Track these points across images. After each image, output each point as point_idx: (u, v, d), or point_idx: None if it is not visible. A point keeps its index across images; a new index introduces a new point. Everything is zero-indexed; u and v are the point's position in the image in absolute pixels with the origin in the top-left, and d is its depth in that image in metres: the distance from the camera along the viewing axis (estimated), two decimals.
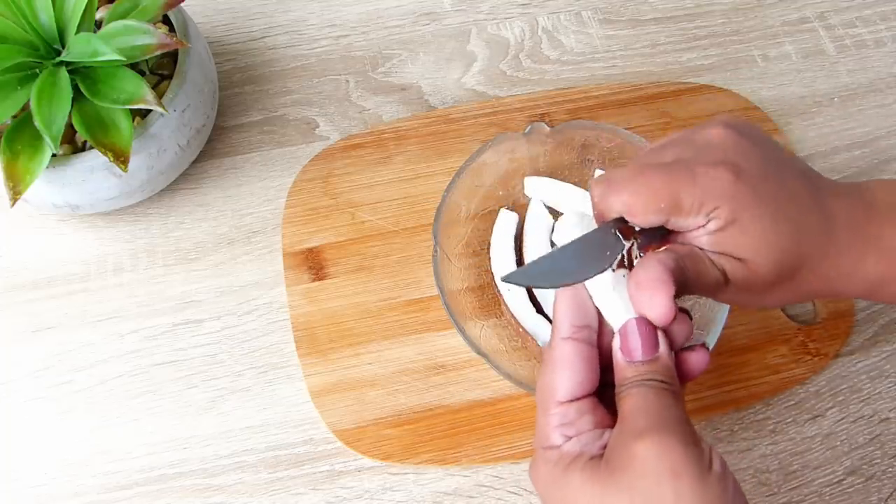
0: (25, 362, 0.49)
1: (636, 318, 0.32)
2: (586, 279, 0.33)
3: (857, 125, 0.58)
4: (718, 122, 0.34)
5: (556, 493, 0.31)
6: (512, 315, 0.48)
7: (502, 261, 0.49)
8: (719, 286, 0.33)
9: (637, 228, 0.33)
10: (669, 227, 0.33)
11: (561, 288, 0.33)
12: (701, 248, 0.33)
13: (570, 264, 0.33)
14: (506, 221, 0.50)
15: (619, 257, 0.33)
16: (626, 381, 0.31)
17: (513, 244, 0.50)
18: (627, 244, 0.33)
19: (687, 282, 0.32)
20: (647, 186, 0.32)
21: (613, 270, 0.33)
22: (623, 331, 0.32)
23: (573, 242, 0.34)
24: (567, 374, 0.32)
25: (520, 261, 0.50)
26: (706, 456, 0.29)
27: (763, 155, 0.33)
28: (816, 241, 0.33)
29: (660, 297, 0.31)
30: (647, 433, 0.29)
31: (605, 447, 0.30)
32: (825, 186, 0.35)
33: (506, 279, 0.34)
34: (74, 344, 0.49)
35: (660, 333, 0.32)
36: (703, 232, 0.32)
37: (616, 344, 0.32)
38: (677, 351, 0.33)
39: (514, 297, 0.48)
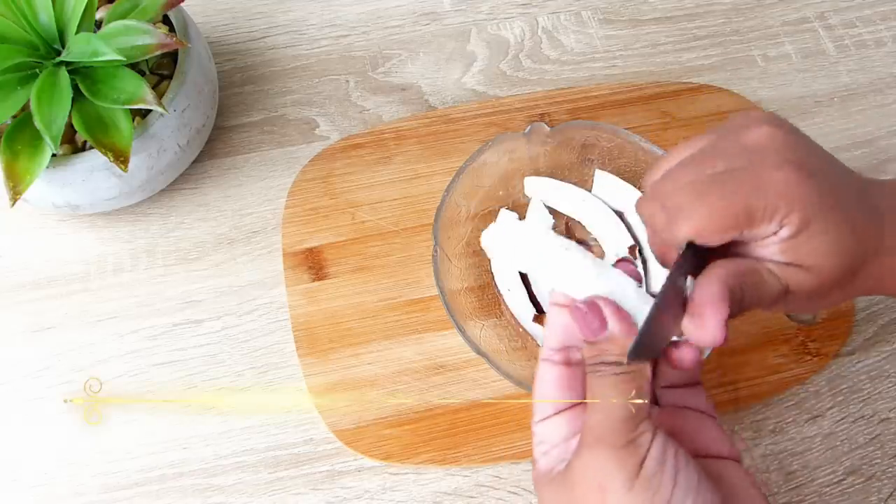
0: (25, 362, 0.49)
1: (590, 298, 0.32)
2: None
3: (857, 125, 0.58)
4: (758, 120, 0.32)
5: None
6: (512, 315, 0.48)
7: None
8: (778, 298, 0.31)
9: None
10: (741, 239, 0.31)
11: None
12: (762, 260, 0.31)
13: (667, 317, 0.31)
14: (506, 221, 0.50)
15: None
16: (587, 365, 0.32)
17: None
18: (691, 280, 0.31)
19: (743, 299, 0.30)
20: (715, 206, 0.30)
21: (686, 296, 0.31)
22: (580, 310, 0.32)
23: (661, 296, 0.31)
24: (539, 395, 0.33)
25: None
26: (639, 457, 0.28)
27: (812, 150, 0.32)
28: (871, 237, 0.31)
29: (713, 321, 0.29)
30: (582, 447, 0.30)
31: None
32: (865, 179, 0.33)
33: (632, 356, 0.31)
34: (74, 344, 0.49)
35: (609, 313, 0.31)
36: (774, 240, 0.30)
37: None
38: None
39: (514, 298, 0.48)
